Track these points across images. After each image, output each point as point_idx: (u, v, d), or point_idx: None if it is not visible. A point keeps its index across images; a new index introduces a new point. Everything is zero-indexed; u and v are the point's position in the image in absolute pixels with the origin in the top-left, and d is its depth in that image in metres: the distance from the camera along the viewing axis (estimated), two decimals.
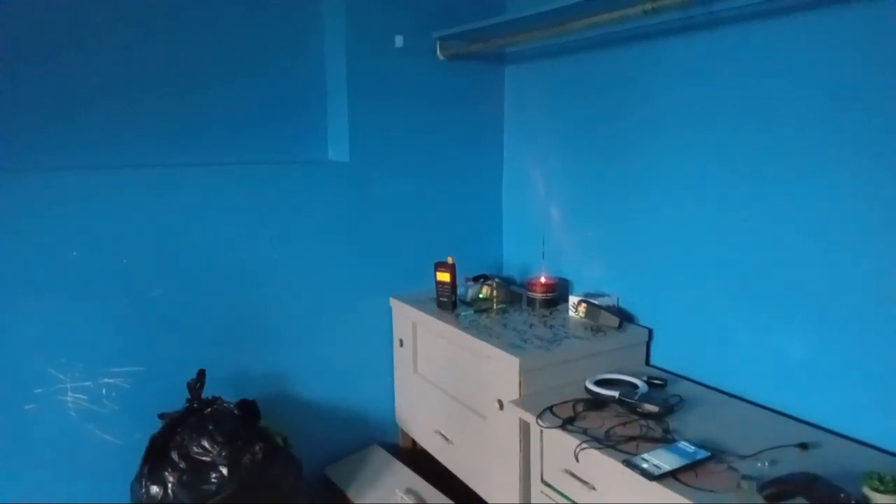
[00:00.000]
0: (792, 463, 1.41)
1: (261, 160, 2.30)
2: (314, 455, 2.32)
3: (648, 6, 1.60)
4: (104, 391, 2.01)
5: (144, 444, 1.91)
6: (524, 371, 1.82)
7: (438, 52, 2.43)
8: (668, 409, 1.66)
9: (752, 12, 1.69)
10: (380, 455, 2.45)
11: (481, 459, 2.04)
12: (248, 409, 2.05)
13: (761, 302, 1.75)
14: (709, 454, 1.43)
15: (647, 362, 2.08)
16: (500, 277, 2.45)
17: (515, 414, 1.80)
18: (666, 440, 1.52)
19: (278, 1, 2.30)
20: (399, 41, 2.34)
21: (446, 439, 2.22)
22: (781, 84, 1.65)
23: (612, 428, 1.59)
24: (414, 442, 2.53)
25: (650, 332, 2.06)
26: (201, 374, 2.00)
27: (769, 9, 1.65)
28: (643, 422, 1.62)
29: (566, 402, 1.75)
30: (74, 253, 1.92)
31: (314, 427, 2.37)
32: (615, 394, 1.71)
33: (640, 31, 1.99)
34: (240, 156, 2.28)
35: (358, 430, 2.51)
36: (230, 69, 2.24)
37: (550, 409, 1.72)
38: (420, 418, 2.42)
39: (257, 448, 1.92)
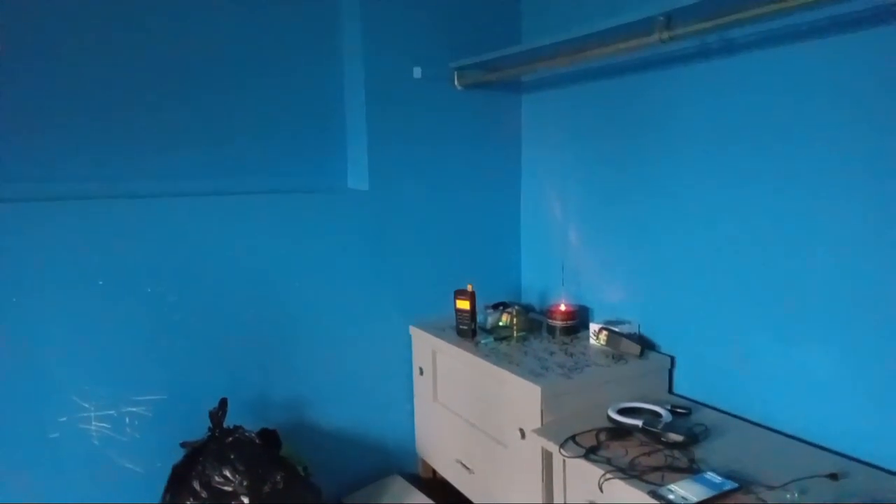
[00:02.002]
0: (822, 494, 1.38)
1: (281, 188, 2.34)
2: (333, 484, 2.31)
3: (665, 35, 1.62)
4: (127, 419, 2.03)
5: (166, 472, 1.92)
6: (546, 399, 1.81)
7: (455, 82, 2.46)
8: (694, 439, 1.64)
9: (768, 37, 1.70)
10: (399, 484, 2.43)
11: (503, 489, 2.02)
12: (269, 438, 2.05)
13: (786, 329, 1.73)
14: (736, 485, 1.40)
15: (670, 390, 2.06)
16: (519, 305, 2.45)
17: (537, 443, 1.78)
18: (692, 470, 1.50)
19: (299, 34, 2.35)
20: (417, 72, 2.37)
21: (467, 468, 2.20)
22: (798, 106, 1.65)
23: (636, 458, 1.57)
24: (434, 471, 2.51)
25: (672, 359, 2.04)
26: (223, 402, 2.00)
27: (784, 34, 1.65)
28: (668, 451, 1.59)
29: (589, 430, 1.73)
30: (100, 282, 1.95)
31: (333, 455, 2.37)
32: (639, 423, 1.69)
33: (657, 58, 2.01)
34: (260, 182, 2.31)
35: (377, 458, 2.50)
36: (251, 98, 2.28)
37: (573, 437, 1.70)
38: (440, 447, 2.40)
39: (278, 477, 1.91)
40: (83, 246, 1.93)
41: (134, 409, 2.04)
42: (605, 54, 1.88)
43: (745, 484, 1.42)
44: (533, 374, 1.89)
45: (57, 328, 1.91)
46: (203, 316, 2.13)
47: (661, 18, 1.61)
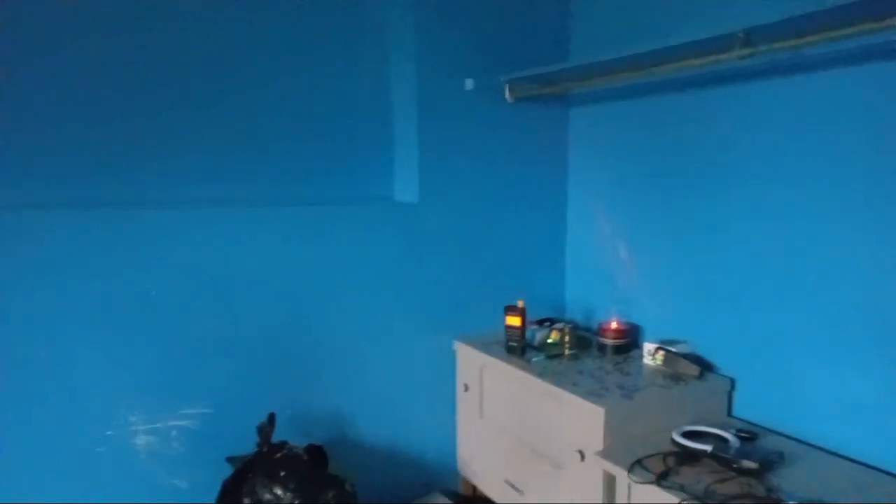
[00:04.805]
0: None
1: (328, 199, 2.31)
2: (373, 501, 2.26)
3: (745, 52, 1.58)
4: (173, 433, 1.99)
5: (211, 487, 1.88)
6: (608, 421, 1.77)
7: (507, 95, 2.42)
8: (768, 466, 1.59)
9: (845, 57, 1.66)
10: (440, 502, 2.38)
11: None
12: (316, 454, 2.01)
13: (862, 348, 1.67)
14: None
15: (729, 413, 2.01)
16: (566, 321, 2.41)
17: (599, 466, 1.74)
18: (771, 500, 1.45)
19: (351, 48, 2.33)
20: (469, 84, 2.34)
21: (516, 489, 2.15)
22: (864, 134, 1.62)
23: (710, 485, 1.52)
24: (475, 489, 2.46)
25: (732, 381, 1.99)
26: (272, 417, 1.97)
27: (862, 54, 1.62)
28: (742, 479, 1.55)
29: (654, 454, 1.69)
30: (154, 292, 1.92)
31: (373, 471, 2.32)
32: (708, 448, 1.64)
33: (717, 74, 1.97)
34: (306, 193, 2.29)
35: (418, 475, 2.45)
36: (295, 107, 2.25)
37: (640, 461, 1.65)
38: (486, 466, 2.35)
39: (330, 495, 1.87)
40: (137, 255, 1.90)
41: (180, 423, 2.00)
42: (673, 70, 1.84)
43: None
44: (593, 395, 1.84)
45: (107, 340, 1.87)
46: (248, 329, 2.09)
47: (740, 34, 1.58)
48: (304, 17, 2.24)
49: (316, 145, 2.31)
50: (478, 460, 2.41)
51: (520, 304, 2.21)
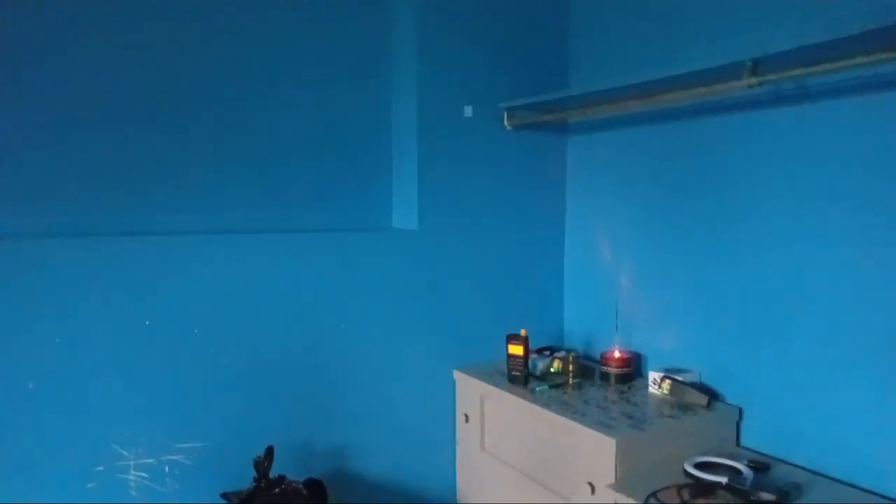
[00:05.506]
0: None
1: (328, 226, 2.28)
2: None
3: (754, 80, 1.59)
4: (166, 468, 1.91)
5: None
6: (620, 452, 1.73)
7: (505, 122, 2.42)
8: (785, 497, 1.56)
9: (856, 86, 1.66)
10: None
11: None
12: (316, 488, 1.94)
13: (876, 376, 1.65)
14: None
15: (737, 443, 1.98)
16: (566, 350, 2.38)
17: (612, 498, 1.69)
18: None
19: (351, 75, 2.32)
20: (468, 111, 2.34)
21: None
22: (877, 162, 1.62)
23: None
24: None
25: (740, 410, 1.97)
26: (269, 451, 1.89)
27: (874, 83, 1.63)
28: None
29: (667, 487, 1.65)
30: (147, 322, 1.86)
31: None
32: (723, 479, 1.61)
33: (719, 103, 1.97)
34: (304, 219, 2.25)
35: None
36: (292, 133, 2.23)
37: (654, 494, 1.61)
38: (488, 499, 2.29)
39: None
40: (128, 286, 1.85)
41: (174, 458, 1.92)
42: (676, 99, 1.85)
43: None
44: (603, 426, 1.81)
45: (100, 370, 1.81)
46: (243, 360, 2.03)
47: (748, 63, 1.59)
48: (304, 46, 2.23)
49: (313, 172, 2.28)
50: (479, 493, 2.34)
51: (522, 332, 2.18)
